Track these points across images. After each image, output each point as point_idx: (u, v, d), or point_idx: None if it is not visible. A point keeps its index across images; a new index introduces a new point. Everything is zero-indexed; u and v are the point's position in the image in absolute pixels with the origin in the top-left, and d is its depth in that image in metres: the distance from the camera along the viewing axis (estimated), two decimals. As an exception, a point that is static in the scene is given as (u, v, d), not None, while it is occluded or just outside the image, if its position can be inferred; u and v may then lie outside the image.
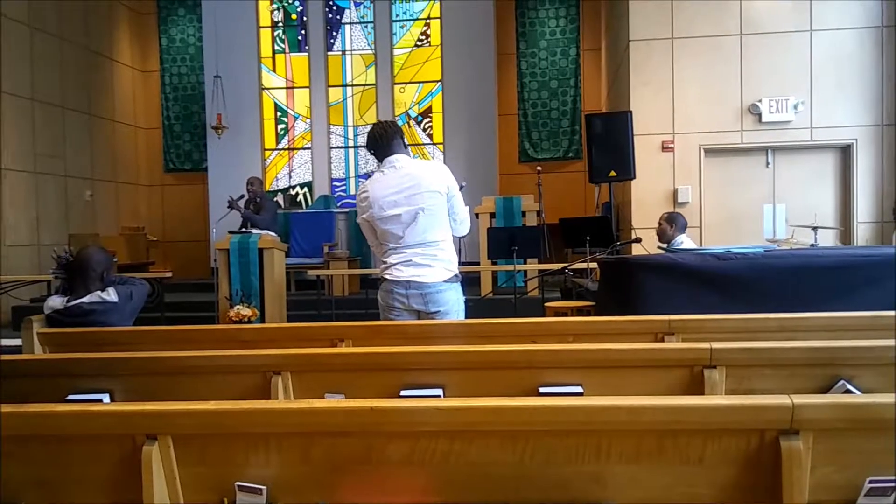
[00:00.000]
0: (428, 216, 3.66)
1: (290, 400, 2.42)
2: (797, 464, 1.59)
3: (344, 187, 12.29)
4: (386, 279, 3.72)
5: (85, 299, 3.70)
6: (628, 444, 1.65)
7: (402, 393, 2.39)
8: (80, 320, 3.63)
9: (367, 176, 11.36)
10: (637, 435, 1.65)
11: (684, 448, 1.64)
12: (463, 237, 4.00)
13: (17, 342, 3.44)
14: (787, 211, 8.36)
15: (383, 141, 3.78)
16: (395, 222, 3.67)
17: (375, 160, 3.88)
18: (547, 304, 5.67)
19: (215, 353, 2.60)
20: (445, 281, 3.69)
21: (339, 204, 11.65)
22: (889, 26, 8.10)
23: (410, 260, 3.66)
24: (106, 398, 2.49)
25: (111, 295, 3.75)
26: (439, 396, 2.37)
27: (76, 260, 3.83)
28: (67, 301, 3.71)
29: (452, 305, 3.70)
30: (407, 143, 3.87)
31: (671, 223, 6.12)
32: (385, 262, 3.75)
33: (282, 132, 12.41)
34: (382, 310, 3.76)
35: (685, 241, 6.11)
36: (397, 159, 3.75)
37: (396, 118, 12.07)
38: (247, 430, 1.72)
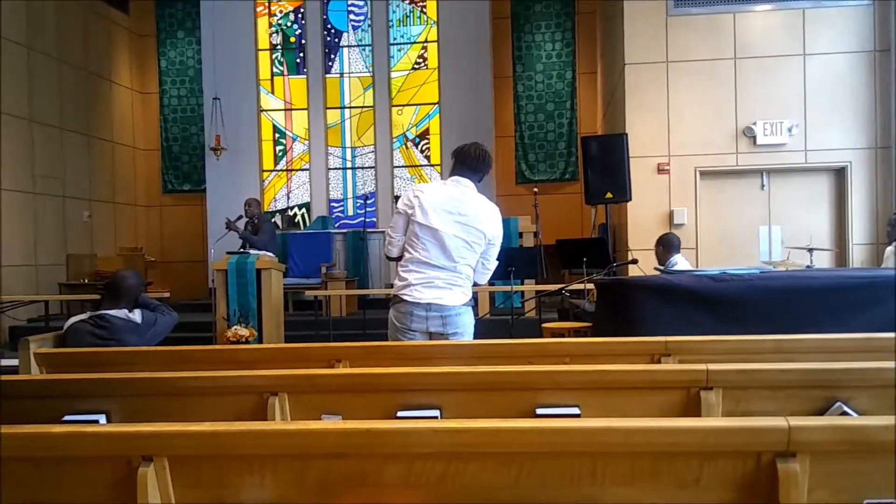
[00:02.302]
0: (465, 249, 3.65)
1: (286, 421, 2.42)
2: (794, 486, 1.58)
3: (342, 208, 12.32)
4: (404, 300, 3.65)
5: (111, 311, 3.86)
6: (624, 467, 1.65)
7: (399, 414, 2.39)
8: (100, 331, 3.77)
9: (365, 197, 11.43)
10: (633, 457, 1.65)
11: (680, 470, 1.64)
12: (478, 283, 3.98)
13: (14, 362, 3.44)
14: (782, 233, 8.39)
15: (470, 162, 3.75)
16: (432, 237, 3.63)
17: (449, 171, 3.85)
18: (544, 325, 5.67)
19: (212, 374, 2.59)
20: (463, 304, 3.71)
21: (336, 225, 11.68)
22: (882, 50, 8.19)
23: (432, 282, 3.62)
24: (102, 419, 2.48)
25: (136, 315, 3.91)
26: (436, 417, 2.36)
27: (113, 278, 4.07)
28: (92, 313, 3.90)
29: (467, 327, 3.72)
30: (481, 180, 3.81)
31: (661, 245, 6.18)
32: (405, 280, 3.67)
33: (280, 153, 12.46)
34: (395, 330, 3.69)
35: (679, 262, 6.13)
36: (466, 183, 3.73)
37: (394, 140, 12.14)
38: (243, 451, 1.72)
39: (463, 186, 3.72)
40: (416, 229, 3.65)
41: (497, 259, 3.88)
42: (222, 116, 11.67)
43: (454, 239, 3.62)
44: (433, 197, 3.67)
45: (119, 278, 4.04)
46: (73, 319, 3.89)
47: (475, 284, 3.88)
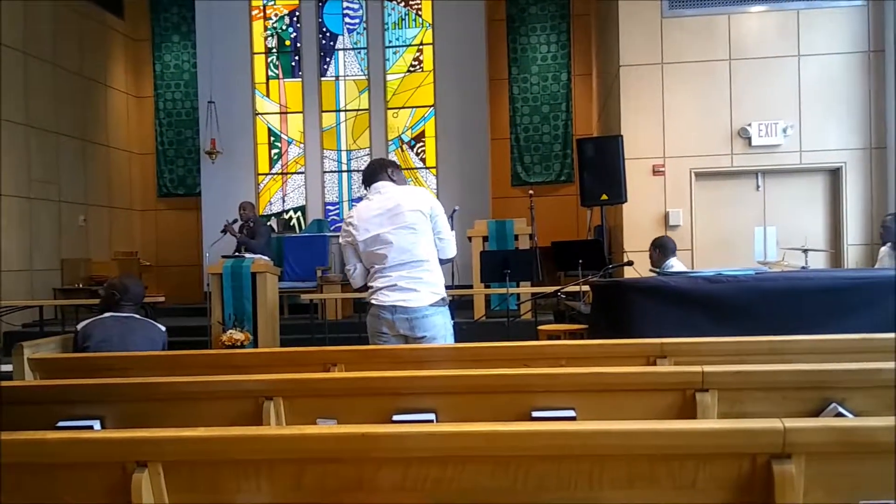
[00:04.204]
0: (411, 233, 3.68)
1: (281, 426, 2.41)
2: (790, 488, 1.58)
3: (337, 211, 12.32)
4: (373, 304, 3.73)
5: (135, 313, 4.04)
6: (621, 470, 1.65)
7: (395, 417, 2.38)
8: (120, 327, 3.93)
9: (360, 199, 11.42)
10: (629, 460, 1.65)
11: (677, 473, 1.64)
12: (451, 259, 4.00)
13: (8, 368, 3.43)
14: (777, 233, 8.41)
15: (369, 173, 3.91)
16: (379, 243, 3.70)
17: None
18: (540, 328, 5.67)
19: (207, 379, 2.58)
20: (431, 305, 3.68)
21: (332, 228, 11.65)
22: (876, 51, 8.22)
23: (396, 284, 3.67)
24: (97, 425, 2.47)
25: (160, 326, 4.10)
26: (432, 421, 2.36)
27: (129, 284, 4.14)
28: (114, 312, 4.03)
29: (439, 330, 3.69)
30: (395, 174, 3.91)
31: (657, 248, 6.17)
32: (372, 286, 3.76)
33: (275, 157, 12.45)
34: (371, 335, 3.77)
35: (676, 265, 6.13)
36: (382, 186, 3.82)
37: (389, 143, 12.15)
38: (237, 456, 1.71)
39: (382, 190, 3.81)
40: (363, 248, 3.76)
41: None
42: (217, 120, 11.66)
43: (397, 233, 3.68)
44: (363, 214, 3.79)
45: (134, 283, 4.19)
46: (88, 320, 4.02)
47: (447, 261, 3.92)
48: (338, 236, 10.58)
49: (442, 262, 3.87)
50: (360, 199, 11.50)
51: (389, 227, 3.68)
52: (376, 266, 3.74)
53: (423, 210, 3.72)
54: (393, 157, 12.17)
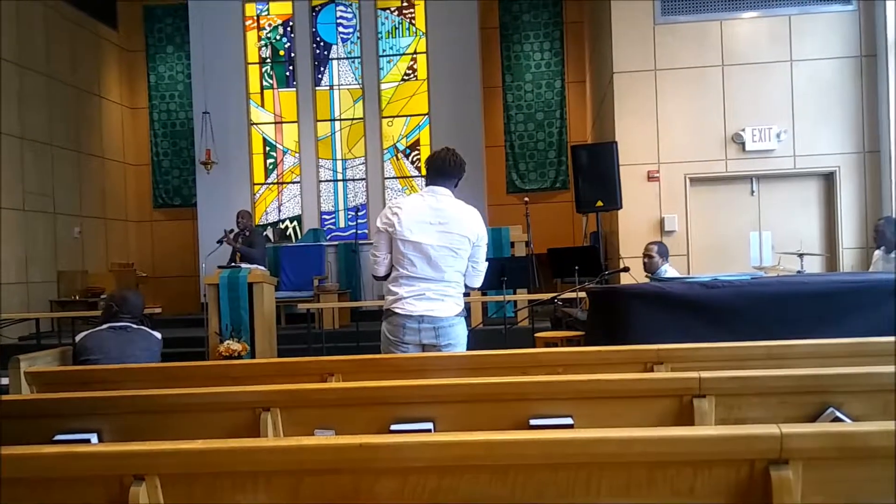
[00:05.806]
0: (451, 256, 3.65)
1: (279, 437, 2.41)
2: (787, 494, 1.58)
3: (333, 220, 12.31)
4: (396, 313, 3.65)
5: (132, 324, 4.17)
6: (619, 477, 1.65)
7: (393, 427, 2.38)
8: (118, 338, 4.05)
9: (356, 209, 11.43)
10: (627, 467, 1.65)
11: (674, 479, 1.63)
12: (474, 289, 3.98)
13: (5, 381, 3.42)
14: (772, 238, 8.42)
15: (440, 167, 3.80)
16: (416, 250, 3.64)
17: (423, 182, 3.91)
18: (537, 335, 5.68)
19: (204, 391, 2.58)
20: (456, 315, 3.71)
21: (328, 237, 11.66)
22: (867, 56, 8.26)
23: (424, 294, 3.63)
24: (94, 438, 2.47)
25: (157, 334, 4.26)
26: (430, 430, 2.36)
27: (126, 296, 4.32)
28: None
29: (461, 339, 3.73)
30: (458, 185, 3.85)
31: (657, 254, 6.17)
32: (395, 293, 3.67)
33: (270, 167, 12.45)
34: (388, 343, 3.70)
35: (669, 270, 6.15)
36: (441, 191, 3.75)
37: (385, 151, 12.15)
38: (235, 468, 1.71)
39: (439, 195, 3.74)
40: (399, 246, 3.67)
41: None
42: (212, 131, 11.66)
43: (439, 249, 3.63)
44: (412, 211, 3.69)
45: (134, 296, 4.38)
46: (86, 332, 4.15)
47: (469, 288, 3.90)
48: (334, 245, 10.72)
49: (465, 286, 3.85)
50: (355, 208, 11.52)
51: (434, 241, 3.63)
52: (404, 271, 3.66)
53: (470, 238, 3.70)
54: (388, 166, 12.19)
